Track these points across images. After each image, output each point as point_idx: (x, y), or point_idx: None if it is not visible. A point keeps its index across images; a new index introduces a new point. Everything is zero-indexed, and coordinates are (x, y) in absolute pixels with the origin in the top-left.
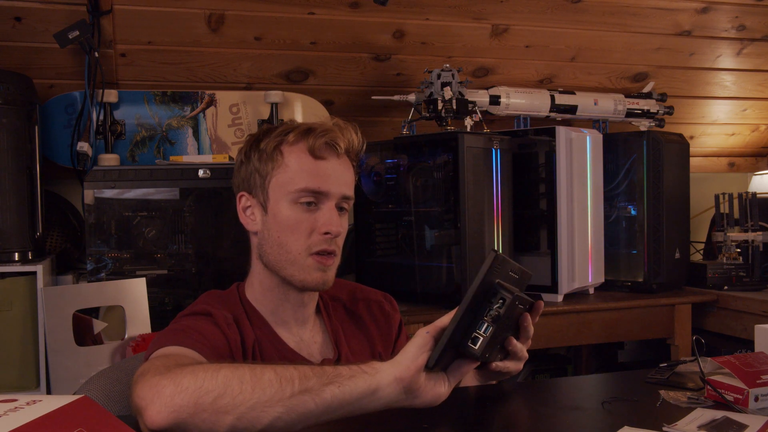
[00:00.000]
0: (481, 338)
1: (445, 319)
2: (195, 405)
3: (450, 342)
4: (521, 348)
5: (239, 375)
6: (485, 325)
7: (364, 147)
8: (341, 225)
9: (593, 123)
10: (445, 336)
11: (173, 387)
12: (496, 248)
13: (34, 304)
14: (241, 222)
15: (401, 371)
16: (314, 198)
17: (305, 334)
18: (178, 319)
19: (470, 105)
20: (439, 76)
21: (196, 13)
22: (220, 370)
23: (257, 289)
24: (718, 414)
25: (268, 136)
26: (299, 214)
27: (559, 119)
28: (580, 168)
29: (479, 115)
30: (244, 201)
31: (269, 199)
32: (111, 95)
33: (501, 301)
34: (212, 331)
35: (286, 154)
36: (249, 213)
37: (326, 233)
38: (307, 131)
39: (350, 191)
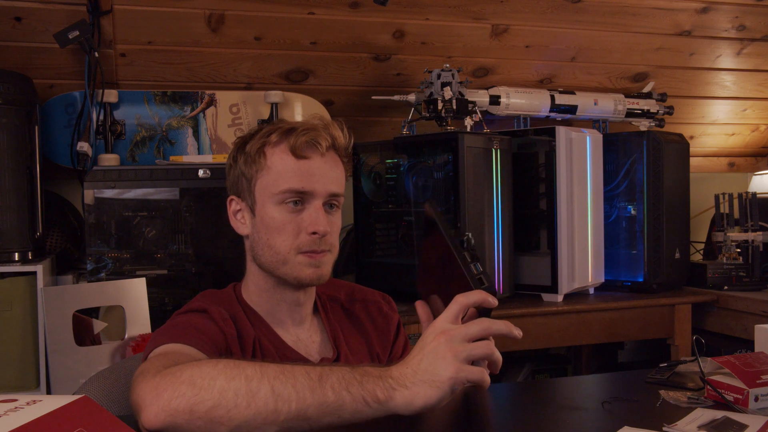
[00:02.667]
0: (483, 275)
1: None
2: (190, 412)
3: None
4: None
5: (234, 387)
6: (477, 265)
7: (352, 142)
8: (329, 224)
9: (593, 123)
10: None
11: (171, 391)
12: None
13: (34, 304)
14: (231, 226)
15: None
16: (299, 198)
17: (303, 334)
18: (174, 317)
19: (470, 105)
20: (439, 76)
21: (196, 13)
22: (216, 378)
23: (253, 290)
24: (718, 414)
25: (253, 138)
26: (285, 215)
27: (559, 119)
28: (580, 168)
29: (479, 115)
30: (234, 205)
31: (256, 202)
32: (111, 95)
33: (465, 239)
34: (209, 327)
35: (269, 155)
36: (239, 217)
37: (313, 233)
38: (288, 131)
39: (338, 188)
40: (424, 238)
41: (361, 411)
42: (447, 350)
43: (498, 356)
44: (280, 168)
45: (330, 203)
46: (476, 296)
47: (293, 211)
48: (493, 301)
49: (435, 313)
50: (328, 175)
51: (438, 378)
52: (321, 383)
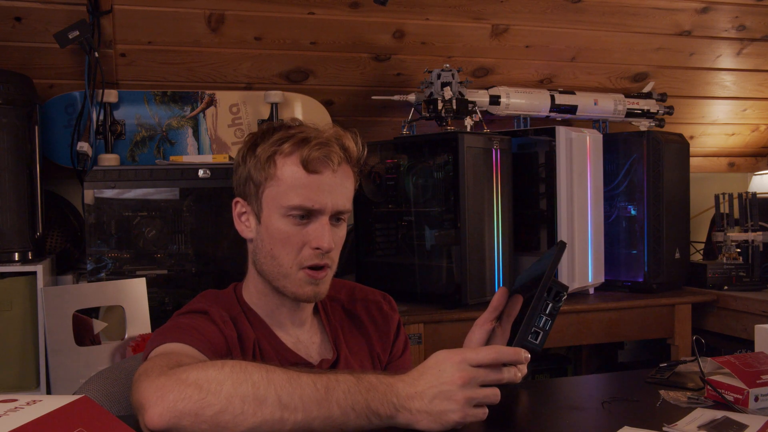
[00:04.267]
0: (541, 332)
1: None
2: (196, 415)
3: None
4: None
5: (242, 394)
6: (543, 319)
7: (365, 153)
8: (334, 240)
9: (593, 123)
10: (525, 326)
11: (177, 393)
12: (561, 240)
13: (34, 304)
14: (236, 228)
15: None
16: (306, 213)
17: (303, 335)
18: (175, 317)
19: (470, 105)
20: (439, 76)
21: (196, 13)
22: (223, 383)
23: (253, 293)
24: (718, 414)
25: (265, 142)
26: (290, 227)
27: (559, 119)
28: (580, 168)
29: (479, 115)
30: (239, 207)
31: (262, 210)
32: (111, 95)
33: (559, 296)
34: (210, 328)
35: (279, 165)
36: (244, 219)
37: (317, 248)
38: (302, 142)
39: (346, 204)
40: (547, 259)
41: (363, 426)
42: (461, 395)
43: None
44: (290, 182)
45: (336, 217)
46: (512, 357)
47: (299, 224)
48: (525, 361)
49: (507, 310)
50: (338, 190)
51: (445, 418)
52: (327, 396)
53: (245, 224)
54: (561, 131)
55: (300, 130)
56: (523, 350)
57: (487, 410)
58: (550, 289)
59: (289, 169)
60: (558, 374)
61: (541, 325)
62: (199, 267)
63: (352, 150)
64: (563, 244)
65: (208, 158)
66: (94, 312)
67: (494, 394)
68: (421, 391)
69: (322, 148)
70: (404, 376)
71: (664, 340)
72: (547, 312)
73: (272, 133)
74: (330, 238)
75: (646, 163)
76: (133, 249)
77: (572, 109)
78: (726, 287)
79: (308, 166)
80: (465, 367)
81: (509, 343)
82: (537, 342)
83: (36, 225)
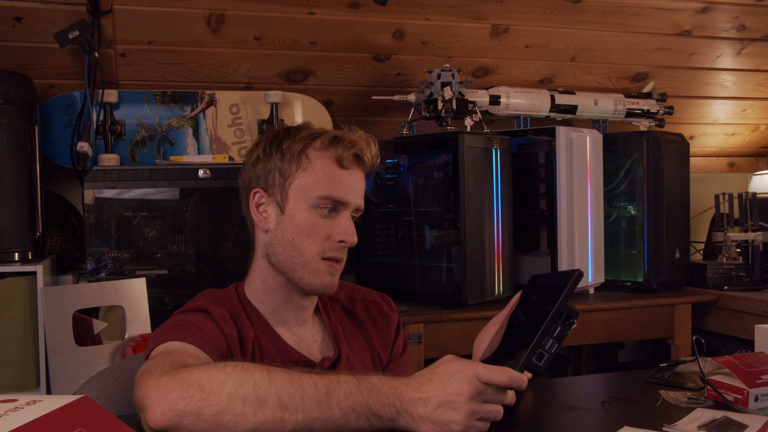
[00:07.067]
0: (546, 355)
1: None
2: (197, 414)
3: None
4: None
5: (243, 394)
6: (550, 342)
7: (379, 159)
8: (355, 234)
9: (593, 123)
10: (531, 350)
11: (180, 392)
12: (578, 268)
13: (34, 304)
14: (253, 218)
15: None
16: (333, 206)
17: (305, 334)
18: (175, 315)
19: (470, 105)
20: (439, 76)
21: (196, 13)
22: (225, 383)
23: (260, 288)
24: (718, 414)
25: (291, 138)
26: (317, 219)
27: (559, 119)
28: (580, 168)
29: (479, 115)
30: (258, 197)
31: (288, 200)
32: (111, 95)
33: (570, 321)
34: (210, 327)
35: (313, 159)
36: (261, 210)
37: (341, 241)
38: (335, 140)
39: (363, 203)
40: (559, 280)
41: (363, 428)
42: (467, 408)
43: (500, 418)
44: (321, 174)
45: (352, 215)
46: (519, 384)
47: (325, 217)
48: (522, 387)
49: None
50: (359, 189)
51: (446, 428)
52: (328, 397)
53: (263, 215)
54: (561, 131)
55: (327, 130)
56: (525, 377)
57: (488, 425)
58: (561, 313)
59: (322, 163)
60: (558, 374)
61: (547, 347)
62: (199, 267)
63: (375, 154)
64: (580, 275)
65: (208, 158)
66: (94, 312)
67: (498, 411)
68: (426, 397)
69: (355, 146)
70: (409, 380)
71: (664, 340)
72: (555, 335)
73: (298, 130)
74: (354, 231)
75: (646, 163)
76: (133, 249)
77: (572, 109)
78: (726, 287)
79: (342, 162)
80: (475, 382)
81: (498, 357)
82: (541, 364)
83: (36, 225)
